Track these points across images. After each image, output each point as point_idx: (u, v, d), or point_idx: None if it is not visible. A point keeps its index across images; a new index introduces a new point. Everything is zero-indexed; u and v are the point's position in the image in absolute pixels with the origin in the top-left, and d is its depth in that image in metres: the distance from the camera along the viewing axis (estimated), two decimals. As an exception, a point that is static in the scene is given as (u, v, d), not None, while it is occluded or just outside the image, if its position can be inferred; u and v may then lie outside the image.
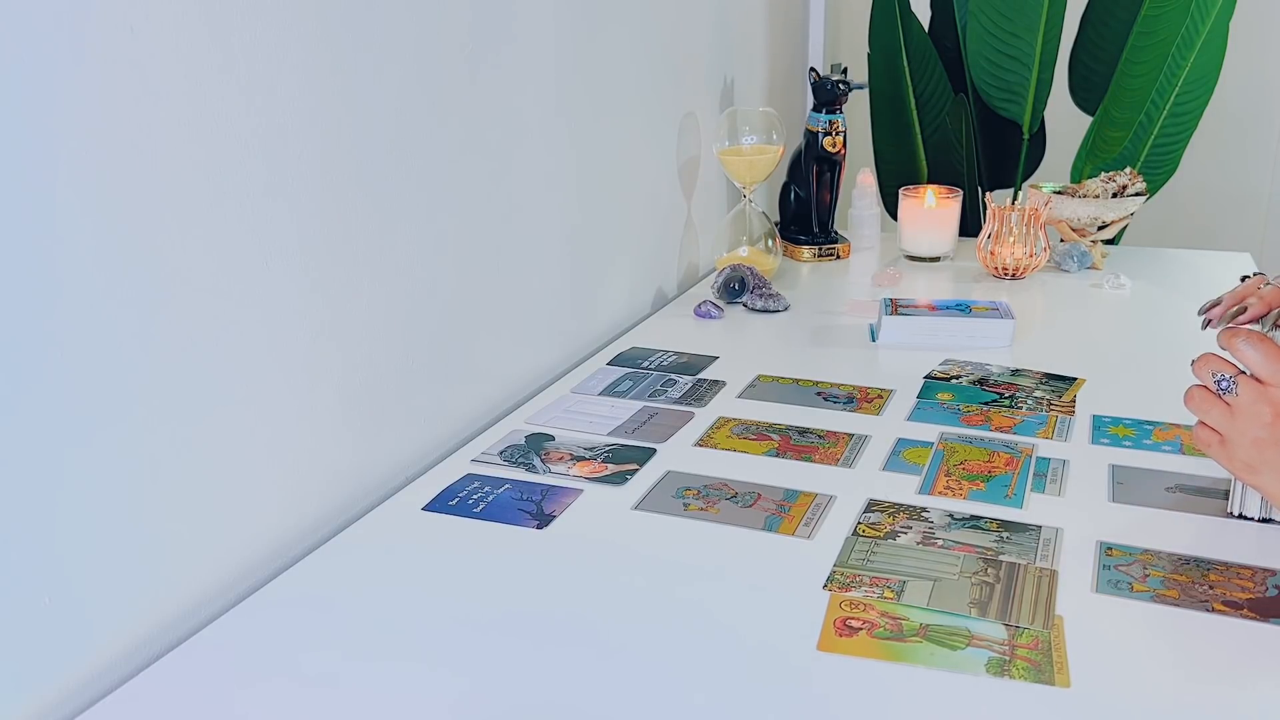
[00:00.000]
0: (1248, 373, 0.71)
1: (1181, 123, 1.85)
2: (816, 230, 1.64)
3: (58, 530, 0.60)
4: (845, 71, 1.57)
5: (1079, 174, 1.91)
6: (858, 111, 1.90)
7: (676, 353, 1.20)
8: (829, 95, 1.55)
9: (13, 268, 0.56)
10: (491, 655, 0.64)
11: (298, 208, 0.76)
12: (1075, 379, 1.09)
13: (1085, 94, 1.94)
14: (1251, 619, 0.66)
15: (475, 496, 0.85)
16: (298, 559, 0.78)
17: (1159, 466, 0.88)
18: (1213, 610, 0.67)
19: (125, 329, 0.63)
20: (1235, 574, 0.71)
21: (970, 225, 1.82)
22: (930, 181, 1.95)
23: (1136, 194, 1.53)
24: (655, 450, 0.93)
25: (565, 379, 1.12)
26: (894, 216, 1.73)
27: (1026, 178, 1.97)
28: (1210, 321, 0.79)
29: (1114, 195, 1.53)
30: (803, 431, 0.97)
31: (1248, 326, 0.74)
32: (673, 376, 1.12)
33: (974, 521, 0.79)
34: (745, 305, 1.37)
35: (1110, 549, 0.75)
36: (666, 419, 1.00)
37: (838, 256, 1.64)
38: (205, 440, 0.70)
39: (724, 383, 1.09)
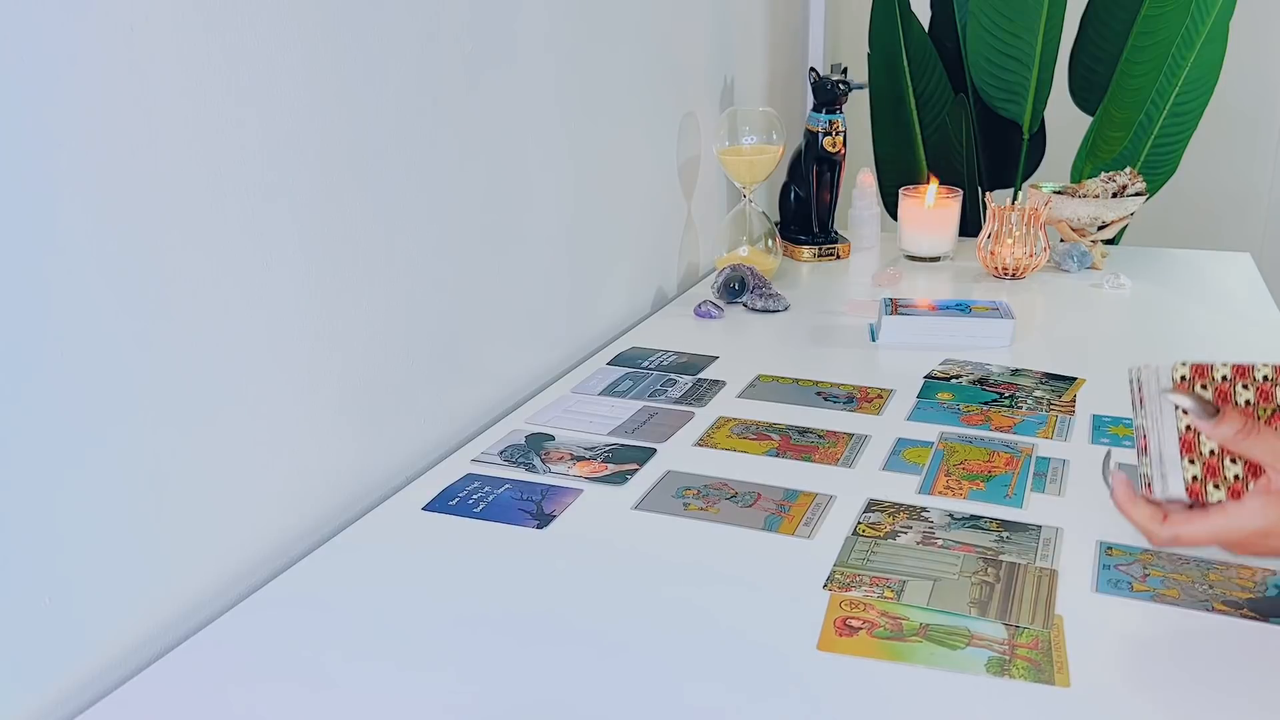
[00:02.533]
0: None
1: (1181, 123, 1.85)
2: (816, 230, 1.64)
3: (58, 530, 0.60)
4: (845, 71, 1.56)
5: (1079, 174, 1.91)
6: (858, 111, 1.90)
7: (676, 353, 1.20)
8: (829, 95, 1.55)
9: (13, 268, 0.56)
10: (491, 655, 0.64)
11: (298, 208, 0.76)
12: (1075, 379, 1.09)
13: (1085, 94, 1.94)
14: (1251, 619, 0.66)
15: (475, 496, 0.85)
16: (298, 559, 0.78)
17: (1159, 466, 0.88)
18: (1213, 610, 0.67)
19: (125, 329, 0.63)
20: (1235, 574, 0.71)
21: (970, 225, 1.82)
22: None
23: (1136, 194, 1.53)
24: (655, 450, 0.93)
25: (565, 379, 1.12)
26: (894, 216, 1.73)
27: (1026, 178, 1.97)
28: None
29: (1114, 195, 1.52)
30: (803, 431, 0.97)
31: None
32: (673, 376, 1.12)
33: (974, 521, 0.79)
34: (745, 305, 1.37)
35: (1110, 549, 0.75)
36: (666, 419, 1.00)
37: (838, 256, 1.64)
38: (205, 440, 0.70)
39: (724, 383, 1.09)
